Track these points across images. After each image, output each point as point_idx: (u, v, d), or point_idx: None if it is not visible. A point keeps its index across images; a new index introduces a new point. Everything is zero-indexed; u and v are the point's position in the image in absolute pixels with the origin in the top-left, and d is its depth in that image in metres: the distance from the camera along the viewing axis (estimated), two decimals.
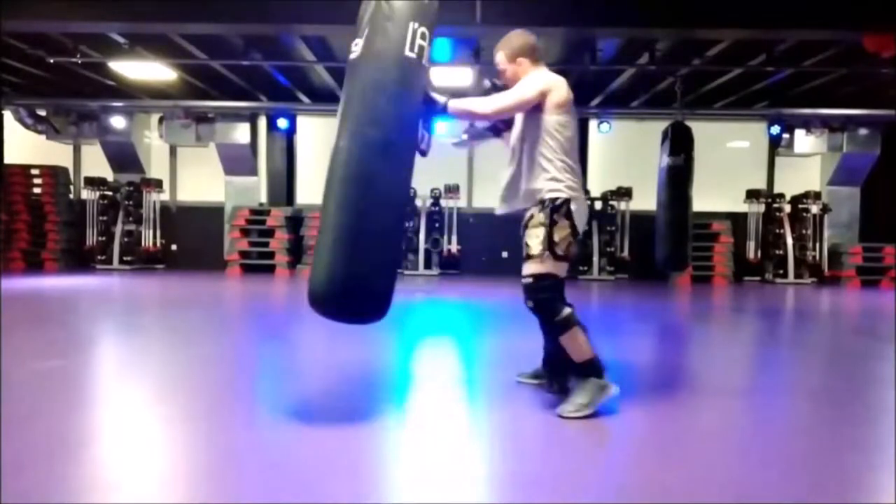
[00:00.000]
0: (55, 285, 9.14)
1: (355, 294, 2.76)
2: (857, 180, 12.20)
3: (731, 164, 12.38)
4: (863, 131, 11.74)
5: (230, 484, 2.18)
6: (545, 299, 2.96)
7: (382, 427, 2.86)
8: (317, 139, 12.51)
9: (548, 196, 2.99)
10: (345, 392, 3.42)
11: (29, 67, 9.45)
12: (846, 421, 3.05)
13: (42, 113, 11.64)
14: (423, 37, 2.85)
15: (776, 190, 12.33)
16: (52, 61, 8.70)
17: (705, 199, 9.78)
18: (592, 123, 12.10)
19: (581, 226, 3.03)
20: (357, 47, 2.88)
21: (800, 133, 11.70)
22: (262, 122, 12.56)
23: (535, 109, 3.01)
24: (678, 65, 9.03)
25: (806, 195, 11.77)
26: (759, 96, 10.95)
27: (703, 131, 9.49)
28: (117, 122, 11.80)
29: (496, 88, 3.16)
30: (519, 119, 3.12)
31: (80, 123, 11.81)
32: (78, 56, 8.51)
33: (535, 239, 2.98)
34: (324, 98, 11.34)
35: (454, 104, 2.97)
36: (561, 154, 3.00)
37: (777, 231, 11.84)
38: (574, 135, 3.08)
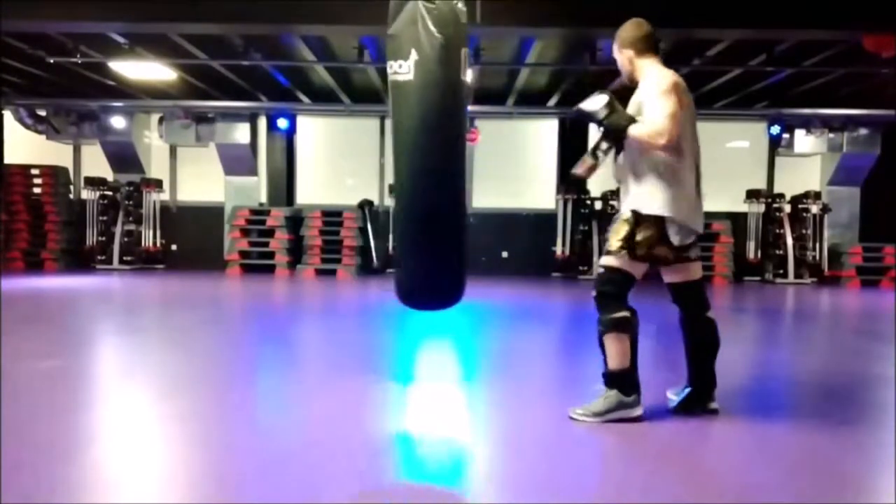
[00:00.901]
0: (55, 285, 9.13)
1: (436, 287, 3.55)
2: (857, 180, 12.18)
3: (731, 164, 12.34)
4: (863, 131, 11.72)
5: (230, 484, 2.18)
6: (604, 292, 2.85)
7: (383, 426, 2.86)
8: (317, 139, 12.48)
9: (635, 208, 2.86)
10: (346, 391, 3.42)
11: (29, 67, 9.44)
12: (846, 421, 3.05)
13: (42, 113, 11.62)
14: (468, 57, 3.24)
15: (776, 190, 12.31)
16: (52, 61, 8.69)
17: (705, 199, 9.75)
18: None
19: (677, 237, 2.87)
20: (406, 70, 3.08)
21: (800, 133, 11.68)
22: (262, 122, 12.53)
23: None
24: (678, 65, 9.02)
25: (806, 195, 11.75)
26: (759, 96, 10.93)
27: (703, 131, 9.38)
28: (117, 122, 11.78)
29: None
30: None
31: (80, 123, 11.78)
32: (78, 56, 8.49)
33: (615, 235, 2.87)
34: (324, 98, 11.30)
35: (633, 131, 2.82)
36: (655, 169, 2.84)
37: (777, 231, 11.82)
38: (685, 139, 2.88)
